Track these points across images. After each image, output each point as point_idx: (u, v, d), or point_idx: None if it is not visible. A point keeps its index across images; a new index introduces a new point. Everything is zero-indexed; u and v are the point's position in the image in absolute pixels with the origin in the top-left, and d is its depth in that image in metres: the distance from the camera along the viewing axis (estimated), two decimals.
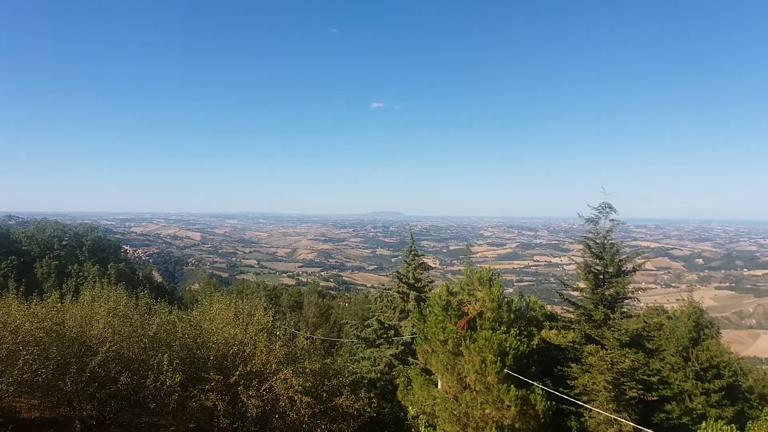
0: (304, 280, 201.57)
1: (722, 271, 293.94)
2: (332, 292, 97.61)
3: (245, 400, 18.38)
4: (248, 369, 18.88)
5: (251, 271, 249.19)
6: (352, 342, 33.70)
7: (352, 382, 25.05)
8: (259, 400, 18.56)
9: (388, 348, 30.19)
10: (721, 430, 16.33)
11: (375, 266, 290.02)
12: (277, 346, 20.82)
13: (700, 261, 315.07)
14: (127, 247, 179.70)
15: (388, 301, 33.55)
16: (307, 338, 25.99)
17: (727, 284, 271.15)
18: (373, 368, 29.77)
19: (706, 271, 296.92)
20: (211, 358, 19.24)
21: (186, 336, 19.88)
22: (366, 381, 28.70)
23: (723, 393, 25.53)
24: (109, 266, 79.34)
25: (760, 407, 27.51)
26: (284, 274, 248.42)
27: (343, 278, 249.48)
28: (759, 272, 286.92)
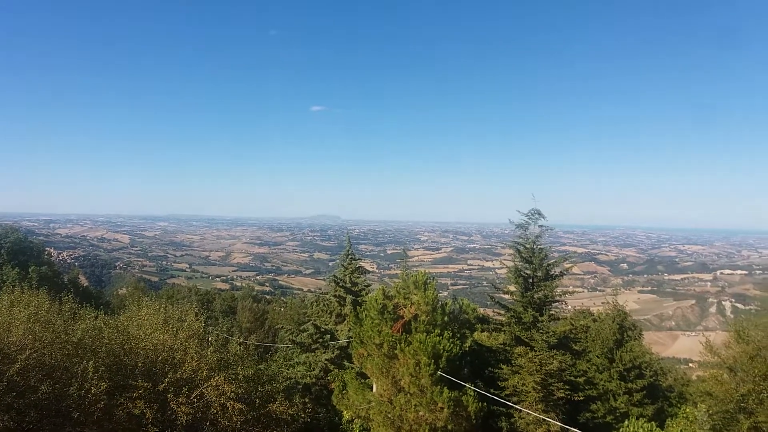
0: (239, 284, 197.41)
1: (645, 276, 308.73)
2: (268, 297, 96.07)
3: (175, 407, 17.88)
4: (178, 376, 18.40)
5: (183, 275, 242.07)
6: (288, 347, 33.34)
7: (287, 387, 24.81)
8: (190, 407, 18.11)
9: (324, 352, 30.04)
10: (642, 427, 17.13)
11: (312, 270, 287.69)
12: (209, 352, 20.35)
13: (625, 266, 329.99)
14: (51, 250, 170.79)
15: (324, 305, 33.43)
16: (240, 344, 25.57)
17: (649, 288, 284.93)
18: (309, 373, 29.56)
19: (630, 275, 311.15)
20: (140, 364, 18.62)
21: (113, 342, 19.15)
22: (301, 386, 28.49)
23: (644, 392, 26.85)
24: (30, 270, 75.17)
25: (679, 405, 29.09)
26: (218, 279, 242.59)
27: (280, 282, 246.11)
28: (678, 277, 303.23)
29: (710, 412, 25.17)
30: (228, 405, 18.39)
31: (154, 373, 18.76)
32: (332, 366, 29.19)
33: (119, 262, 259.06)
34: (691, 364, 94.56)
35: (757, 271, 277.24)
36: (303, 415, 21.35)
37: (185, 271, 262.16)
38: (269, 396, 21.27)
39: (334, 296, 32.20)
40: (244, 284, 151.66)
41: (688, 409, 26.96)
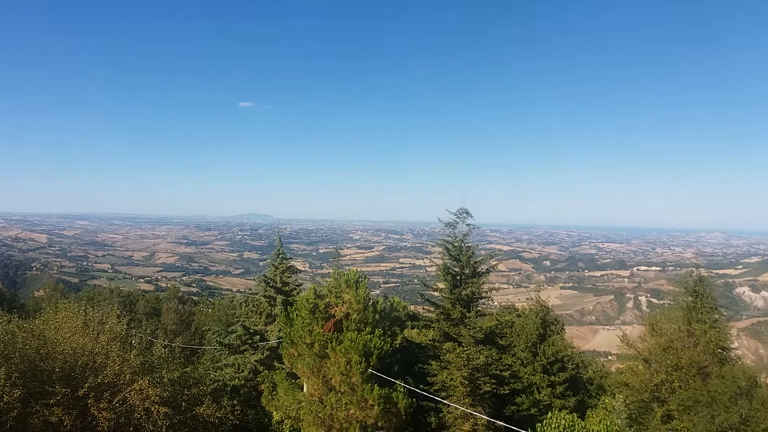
0: (164, 285, 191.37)
1: (567, 273, 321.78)
2: (195, 298, 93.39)
3: (96, 413, 17.17)
4: (99, 380, 17.67)
5: (104, 276, 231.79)
6: (216, 349, 32.62)
7: (215, 390, 24.34)
8: (112, 412, 17.42)
9: (253, 354, 29.60)
10: (564, 419, 17.80)
11: (242, 270, 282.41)
12: (132, 356, 19.65)
13: (548, 263, 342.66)
14: None
15: (254, 305, 32.90)
16: (165, 346, 24.98)
17: (571, 284, 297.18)
18: (237, 375, 29.06)
19: (553, 272, 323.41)
20: (57, 370, 17.75)
21: (27, 347, 18.15)
22: (229, 388, 27.98)
23: (566, 385, 28.02)
24: None
25: (598, 396, 30.52)
26: (141, 280, 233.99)
27: (207, 283, 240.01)
28: (598, 273, 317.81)
29: (627, 402, 26.60)
30: (152, 409, 17.85)
31: (74, 378, 17.96)
32: (262, 367, 28.81)
33: (36, 262, 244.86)
34: (610, 357, 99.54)
35: (670, 268, 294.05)
36: (231, 418, 21.00)
37: (107, 271, 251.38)
38: (196, 399, 20.80)
39: (264, 296, 31.76)
40: (169, 285, 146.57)
41: (606, 400, 28.37)
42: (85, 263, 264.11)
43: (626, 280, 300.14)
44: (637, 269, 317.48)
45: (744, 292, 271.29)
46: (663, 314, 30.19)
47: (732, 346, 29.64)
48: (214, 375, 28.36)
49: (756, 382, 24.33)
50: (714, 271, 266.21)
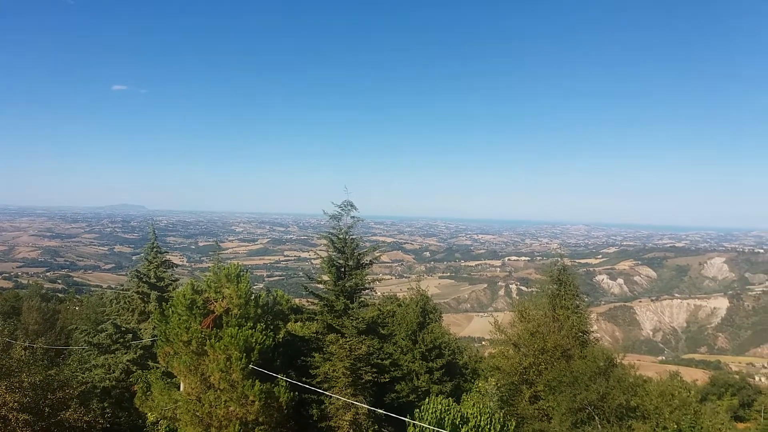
0: (25, 281, 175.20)
1: (445, 263, 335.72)
2: (60, 295, 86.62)
3: None
4: None
5: None
6: (84, 349, 30.60)
7: (83, 392, 23.03)
8: None
9: (126, 353, 28.15)
10: (440, 403, 18.53)
11: (113, 265, 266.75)
12: None
13: (427, 254, 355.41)
14: None
15: (126, 302, 31.37)
16: (26, 348, 23.45)
17: (449, 274, 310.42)
18: (108, 376, 27.48)
19: (432, 262, 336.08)
20: None
21: None
22: (99, 390, 26.46)
23: (444, 370, 29.25)
24: None
25: (473, 380, 32.18)
26: None
27: (75, 279, 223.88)
28: (473, 263, 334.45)
29: (498, 384, 28.31)
30: (11, 417, 16.49)
31: None
32: (135, 367, 27.47)
33: None
34: (483, 342, 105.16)
35: (538, 257, 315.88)
36: (101, 421, 19.89)
37: None
38: (61, 403, 19.50)
39: (137, 293, 30.34)
40: (31, 281, 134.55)
41: (480, 384, 30.02)
42: None
43: (498, 269, 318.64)
44: (509, 259, 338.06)
45: (603, 279, 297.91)
46: (531, 301, 32.40)
47: (592, 329, 32.49)
48: (82, 377, 26.70)
49: (612, 362, 26.84)
50: (576, 261, 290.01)
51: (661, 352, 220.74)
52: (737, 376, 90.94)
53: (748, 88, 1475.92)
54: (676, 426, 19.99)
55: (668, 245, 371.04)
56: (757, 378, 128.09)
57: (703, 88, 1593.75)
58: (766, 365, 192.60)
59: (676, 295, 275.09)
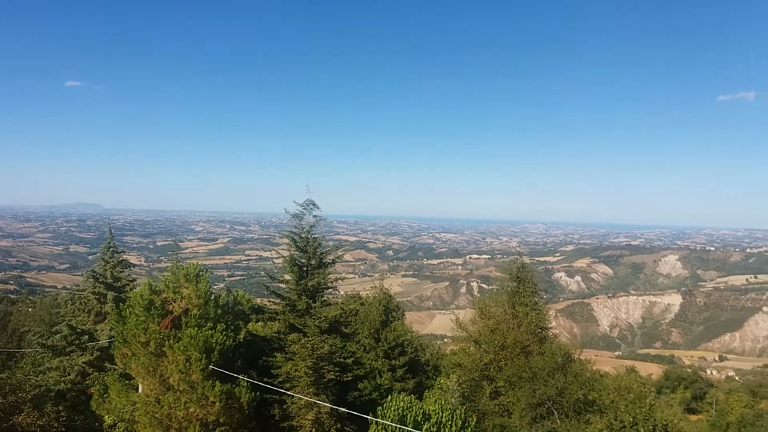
0: None
1: (408, 261, 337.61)
2: (12, 296, 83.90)
3: None
4: None
5: None
6: (37, 351, 29.78)
7: (36, 396, 22.40)
8: None
9: (81, 355, 27.46)
10: (403, 401, 18.63)
11: (68, 265, 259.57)
12: None
13: (391, 252, 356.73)
14: None
15: (81, 303, 30.58)
16: None
17: (411, 272, 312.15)
18: (63, 378, 26.76)
19: (395, 261, 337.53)
20: None
21: None
22: (54, 393, 25.72)
23: (406, 368, 29.39)
24: None
25: (435, 377, 32.42)
26: None
27: (27, 280, 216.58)
28: (435, 261, 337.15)
29: (460, 381, 28.62)
30: None
31: None
32: (91, 369, 26.82)
33: None
34: (445, 340, 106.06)
35: (498, 255, 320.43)
36: (56, 425, 19.40)
37: None
38: (14, 407, 18.96)
39: (93, 293, 29.62)
40: None
41: (442, 380, 30.26)
42: None
43: (460, 267, 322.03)
44: (470, 257, 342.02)
45: (561, 277, 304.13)
46: (491, 298, 32.94)
47: (550, 326, 33.19)
48: (36, 380, 25.95)
49: (570, 357, 27.50)
50: (535, 259, 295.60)
51: (617, 347, 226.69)
52: (690, 370, 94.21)
53: (706, 89, 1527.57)
54: (631, 419, 20.56)
55: (624, 243, 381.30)
56: (708, 371, 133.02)
57: (659, 91, 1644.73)
58: (717, 359, 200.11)
59: (632, 292, 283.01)
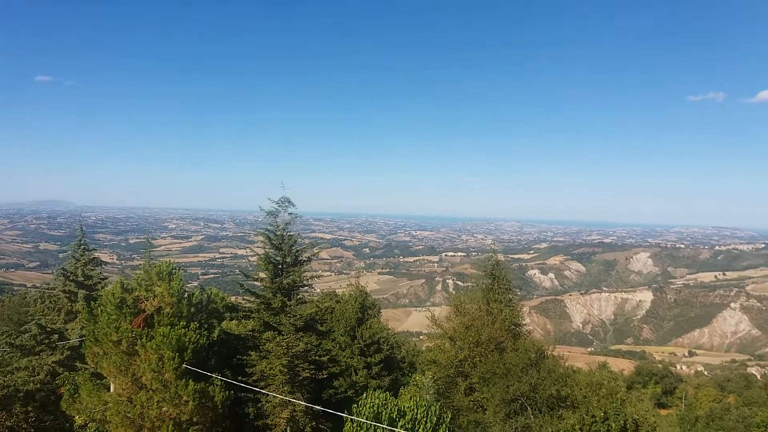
0: None
1: (384, 259, 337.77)
2: None
3: None
4: None
5: None
6: (5, 351, 29.17)
7: (4, 396, 21.95)
8: None
9: (51, 354, 27.02)
10: (378, 398, 18.65)
11: (38, 263, 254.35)
12: None
13: (367, 250, 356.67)
14: None
15: (51, 302, 30.17)
16: None
17: (388, 270, 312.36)
18: (32, 378, 26.26)
19: (372, 258, 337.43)
20: None
21: None
22: (22, 394, 25.24)
23: (382, 365, 29.42)
24: None
25: (410, 374, 32.50)
26: None
27: None
28: (412, 259, 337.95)
29: (435, 377, 28.75)
30: None
31: None
32: (61, 369, 26.41)
33: None
34: (421, 337, 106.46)
35: (473, 253, 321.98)
36: (25, 426, 19.01)
37: None
38: None
39: (63, 291, 29.20)
40: None
41: (417, 377, 30.36)
42: None
43: (436, 264, 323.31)
44: (446, 255, 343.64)
45: (535, 274, 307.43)
46: (466, 295, 33.14)
47: (524, 322, 33.55)
48: (3, 380, 25.41)
49: (543, 353, 27.80)
50: (510, 256, 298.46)
51: (590, 343, 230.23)
52: (660, 366, 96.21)
53: (677, 89, 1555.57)
54: (603, 414, 20.90)
55: (596, 241, 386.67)
56: (678, 367, 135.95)
57: (630, 92, 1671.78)
58: (686, 355, 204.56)
59: (604, 288, 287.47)
